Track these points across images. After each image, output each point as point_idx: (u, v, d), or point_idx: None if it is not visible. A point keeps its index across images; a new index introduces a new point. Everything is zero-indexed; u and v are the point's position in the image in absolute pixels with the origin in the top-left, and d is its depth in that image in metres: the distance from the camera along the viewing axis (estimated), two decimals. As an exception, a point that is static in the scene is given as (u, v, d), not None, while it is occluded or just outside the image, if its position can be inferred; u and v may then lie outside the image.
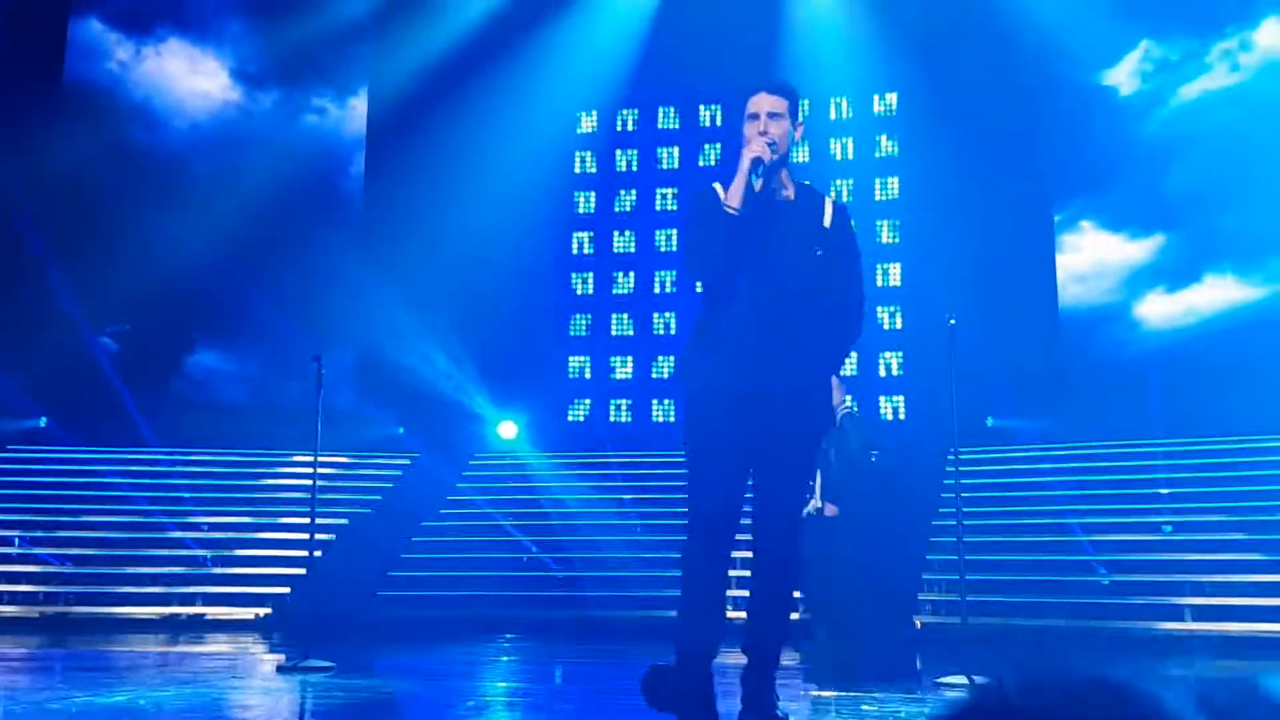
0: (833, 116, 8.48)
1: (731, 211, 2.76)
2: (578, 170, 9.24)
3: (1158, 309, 8.08)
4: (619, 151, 8.98)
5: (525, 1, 8.38)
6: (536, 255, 9.02)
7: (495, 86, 8.38)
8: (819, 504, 3.99)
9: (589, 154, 9.40)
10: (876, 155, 8.28)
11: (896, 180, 8.20)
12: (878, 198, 8.32)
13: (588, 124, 9.24)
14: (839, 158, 8.49)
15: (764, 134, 2.78)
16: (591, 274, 9.27)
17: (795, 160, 3.06)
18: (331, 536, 7.29)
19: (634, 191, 9.17)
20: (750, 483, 2.79)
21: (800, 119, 2.93)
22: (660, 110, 9.10)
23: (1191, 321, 7.92)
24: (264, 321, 8.73)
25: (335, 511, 7.68)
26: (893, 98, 7.99)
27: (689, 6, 8.59)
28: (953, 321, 4.40)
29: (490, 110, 8.42)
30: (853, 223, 2.96)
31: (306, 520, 4.78)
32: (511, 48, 8.34)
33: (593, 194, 9.05)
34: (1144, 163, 8.03)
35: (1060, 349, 7.82)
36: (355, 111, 9.43)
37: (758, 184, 2.78)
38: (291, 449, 8.41)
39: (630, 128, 9.14)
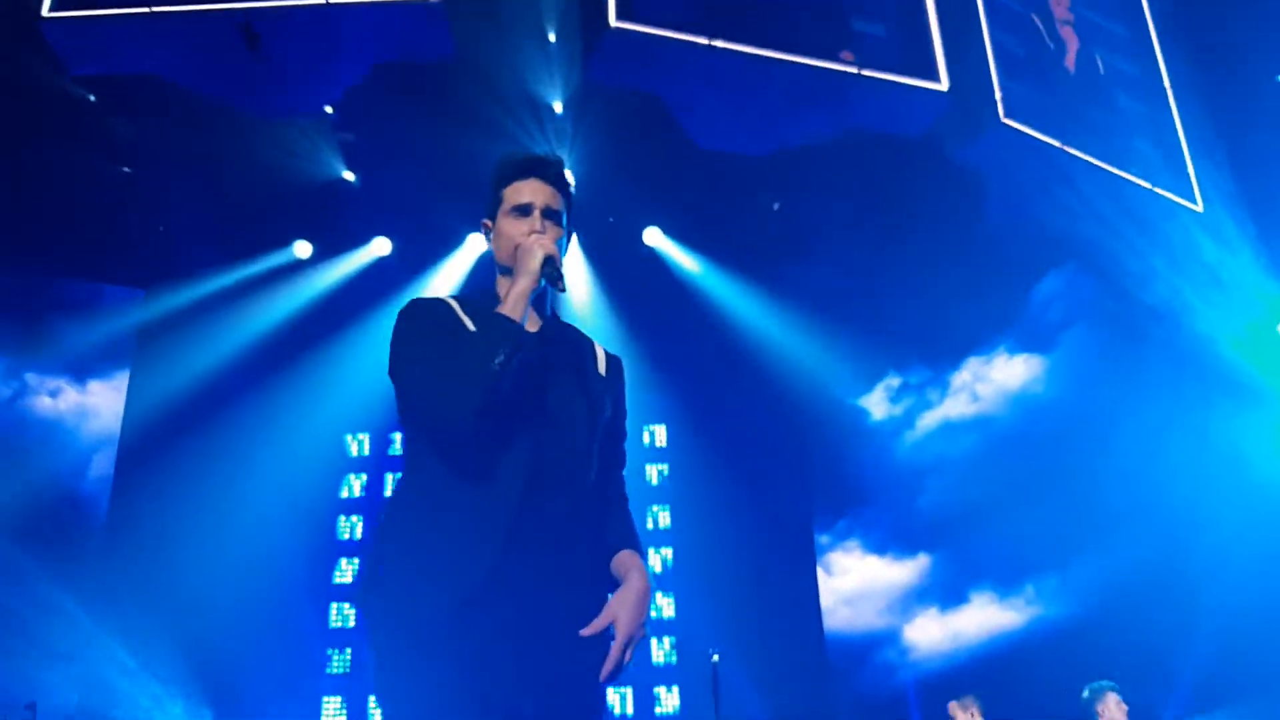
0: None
1: (514, 335, 2.03)
2: (344, 495, 9.01)
3: (929, 631, 8.13)
4: (388, 475, 8.85)
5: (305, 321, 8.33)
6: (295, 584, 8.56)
7: (266, 404, 8.20)
8: None
9: (361, 477, 9.26)
10: (651, 483, 8.44)
11: (667, 511, 8.27)
12: (648, 526, 8.35)
13: (356, 448, 9.08)
14: None
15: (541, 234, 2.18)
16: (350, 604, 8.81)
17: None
18: None
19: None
20: None
21: (571, 230, 2.36)
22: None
23: (958, 647, 7.97)
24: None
25: None
26: (661, 430, 8.26)
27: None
28: (716, 657, 4.32)
29: (258, 427, 8.17)
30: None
31: None
32: (283, 367, 8.25)
33: (359, 519, 8.80)
34: (899, 485, 8.29)
35: (827, 677, 7.79)
36: (98, 399, 8.32)
37: (561, 289, 2.15)
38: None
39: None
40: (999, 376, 8.50)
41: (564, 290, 2.16)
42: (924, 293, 7.58)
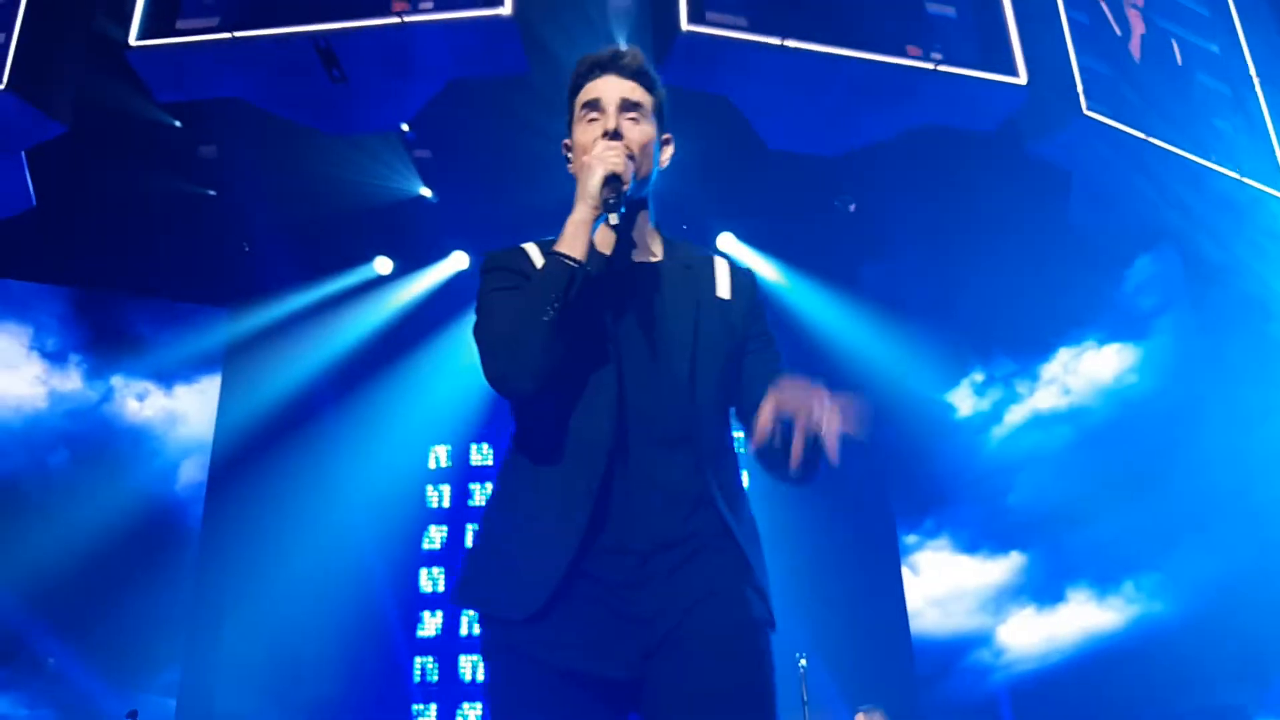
0: None
1: (570, 265, 1.71)
2: (432, 505, 9.14)
3: (1023, 633, 7.91)
4: (472, 485, 8.93)
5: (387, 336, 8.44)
6: (384, 593, 8.71)
7: (351, 417, 8.35)
8: None
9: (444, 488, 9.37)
10: None
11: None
12: None
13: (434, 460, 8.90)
14: None
15: (615, 135, 1.81)
16: (441, 611, 8.93)
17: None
18: None
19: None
20: None
21: (668, 135, 1.97)
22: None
23: (1053, 648, 7.75)
24: (64, 669, 7.68)
25: None
26: (740, 434, 8.10)
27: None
28: (804, 662, 4.28)
29: (344, 440, 8.33)
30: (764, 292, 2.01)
31: None
32: (367, 380, 8.39)
33: (445, 528, 8.91)
34: (989, 482, 8.14)
35: (915, 681, 7.68)
36: (185, 404, 8.40)
37: (612, 221, 1.75)
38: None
39: (487, 461, 9.16)
40: (1090, 367, 8.28)
41: (615, 219, 1.73)
42: (1008, 286, 7.44)
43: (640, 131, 1.84)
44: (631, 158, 1.79)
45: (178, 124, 6.50)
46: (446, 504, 8.95)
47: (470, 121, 6.58)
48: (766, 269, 7.67)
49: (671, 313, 1.83)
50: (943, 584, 8.17)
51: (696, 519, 1.81)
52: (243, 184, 6.95)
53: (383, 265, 8.02)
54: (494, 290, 1.87)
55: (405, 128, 6.58)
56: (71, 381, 8.12)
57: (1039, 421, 8.31)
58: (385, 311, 8.05)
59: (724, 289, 1.92)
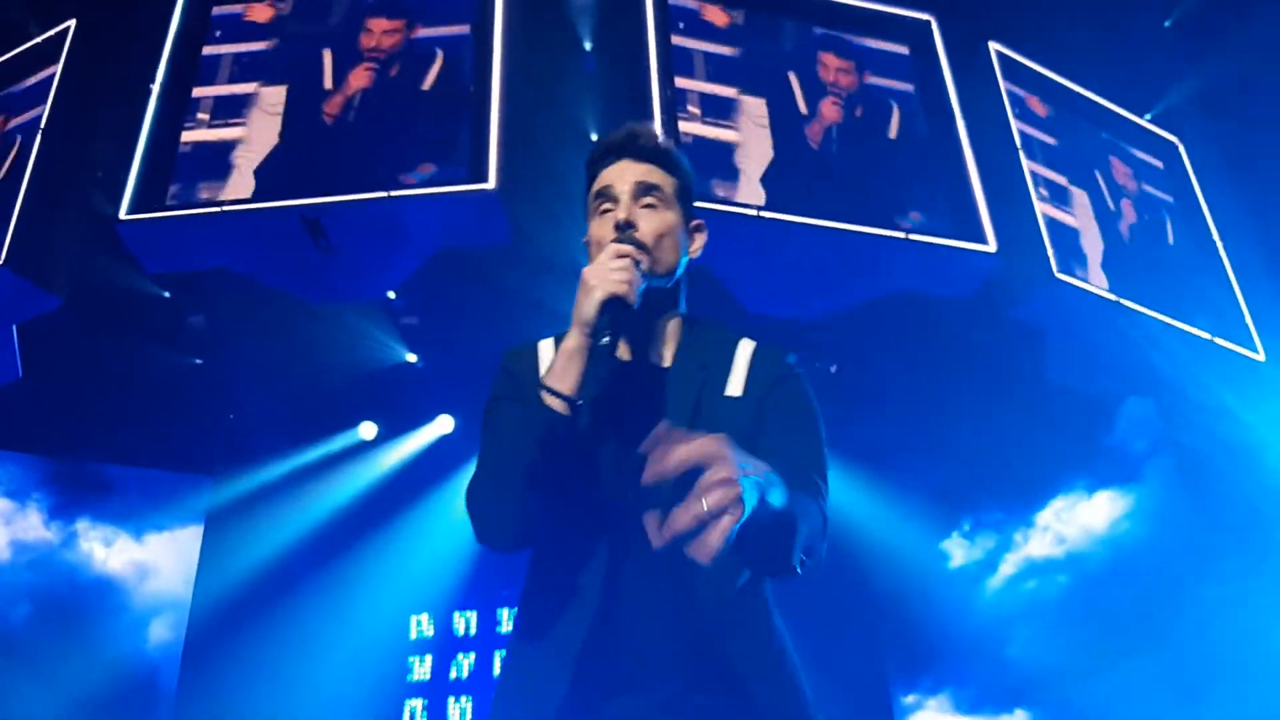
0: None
1: (553, 405, 1.50)
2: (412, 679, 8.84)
3: None
4: (457, 655, 8.69)
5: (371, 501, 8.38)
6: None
7: (332, 584, 8.20)
8: None
9: (427, 659, 9.11)
10: None
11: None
12: None
13: (416, 629, 8.91)
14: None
15: (626, 230, 1.64)
16: (422, 790, 8.54)
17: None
18: None
19: (469, 698, 8.71)
20: None
21: (699, 221, 1.78)
22: (501, 611, 8.97)
23: None
24: None
25: None
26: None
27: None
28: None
29: (324, 607, 8.16)
30: (803, 382, 1.78)
31: None
32: (349, 546, 8.28)
33: (423, 701, 8.60)
34: (986, 635, 7.94)
35: None
36: (156, 554, 8.08)
37: (622, 351, 1.61)
38: None
39: (471, 630, 8.94)
40: (1083, 514, 8.21)
41: (607, 341, 1.51)
42: (994, 437, 7.46)
43: (659, 220, 1.67)
44: (646, 249, 1.62)
45: (166, 294, 6.60)
46: (428, 675, 8.70)
47: (456, 289, 6.71)
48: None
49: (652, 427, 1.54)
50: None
51: (690, 661, 1.60)
52: (230, 352, 7.02)
53: (367, 430, 8.03)
54: (489, 415, 1.72)
55: (392, 295, 6.69)
56: (35, 529, 7.91)
57: (1035, 570, 8.20)
58: (369, 476, 8.01)
59: (736, 386, 1.72)
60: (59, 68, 6.09)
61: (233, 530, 7.93)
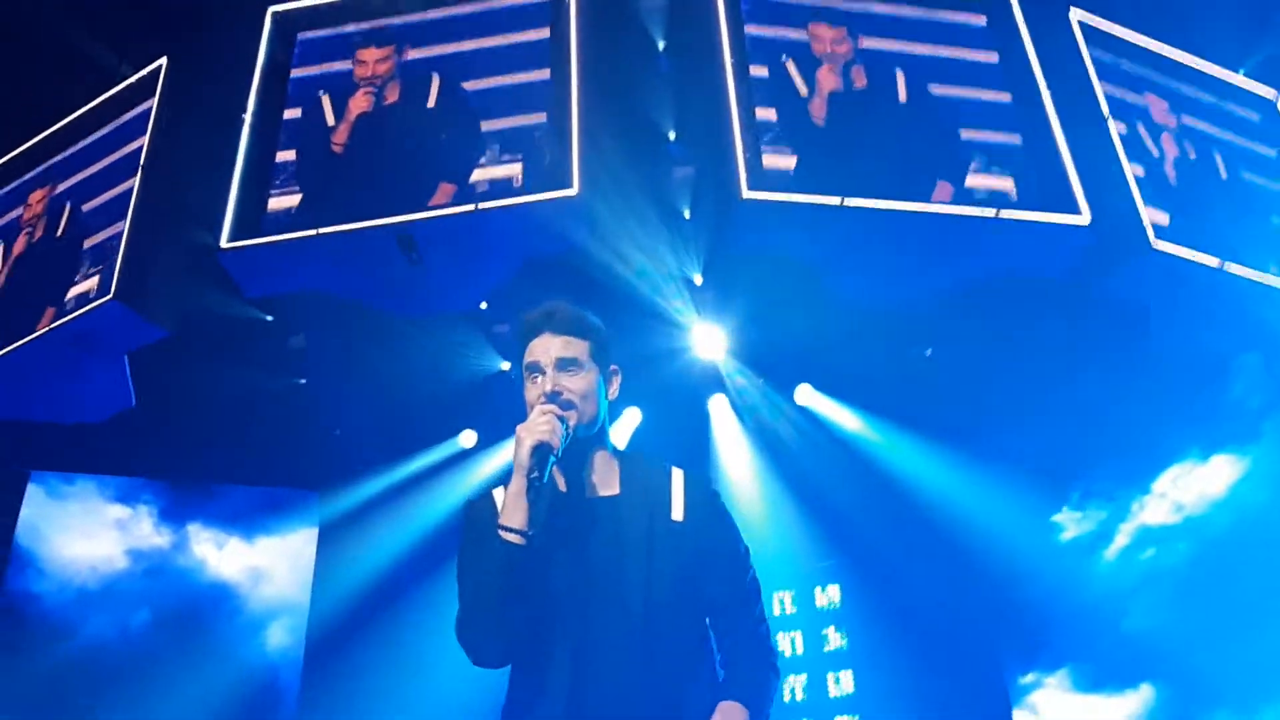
0: (777, 612, 8.20)
1: (511, 539, 1.90)
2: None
3: None
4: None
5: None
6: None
7: (439, 591, 8.31)
8: None
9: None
10: (829, 647, 8.01)
11: (850, 674, 7.93)
12: (831, 694, 7.94)
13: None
14: (789, 654, 8.10)
15: (552, 397, 2.03)
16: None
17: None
18: None
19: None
20: None
21: (614, 366, 2.16)
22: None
23: None
24: None
25: None
26: (835, 589, 8.01)
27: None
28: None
29: (434, 613, 8.27)
30: (723, 503, 2.11)
31: None
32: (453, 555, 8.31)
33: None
34: (1103, 608, 7.70)
35: None
36: (269, 559, 8.34)
37: (560, 483, 1.95)
38: None
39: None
40: (1200, 478, 7.88)
41: (540, 479, 1.87)
42: (1098, 408, 7.28)
43: (580, 381, 2.03)
44: (573, 407, 1.97)
45: (269, 318, 6.79)
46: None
47: (544, 293, 6.76)
48: (847, 418, 7.65)
49: (629, 551, 1.95)
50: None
51: None
52: (331, 370, 7.20)
53: (467, 439, 8.17)
54: (461, 558, 2.07)
55: (484, 305, 6.79)
56: (149, 538, 8.21)
57: (1151, 538, 7.98)
58: (472, 483, 8.15)
59: (678, 510, 2.03)
60: (154, 104, 6.28)
61: (345, 539, 8.14)
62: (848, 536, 7.80)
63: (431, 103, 5.95)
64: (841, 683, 7.86)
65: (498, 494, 2.06)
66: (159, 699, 7.37)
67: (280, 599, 8.34)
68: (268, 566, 8.40)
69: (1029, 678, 7.87)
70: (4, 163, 6.96)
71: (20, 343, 5.95)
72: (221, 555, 8.33)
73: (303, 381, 7.41)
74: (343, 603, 7.98)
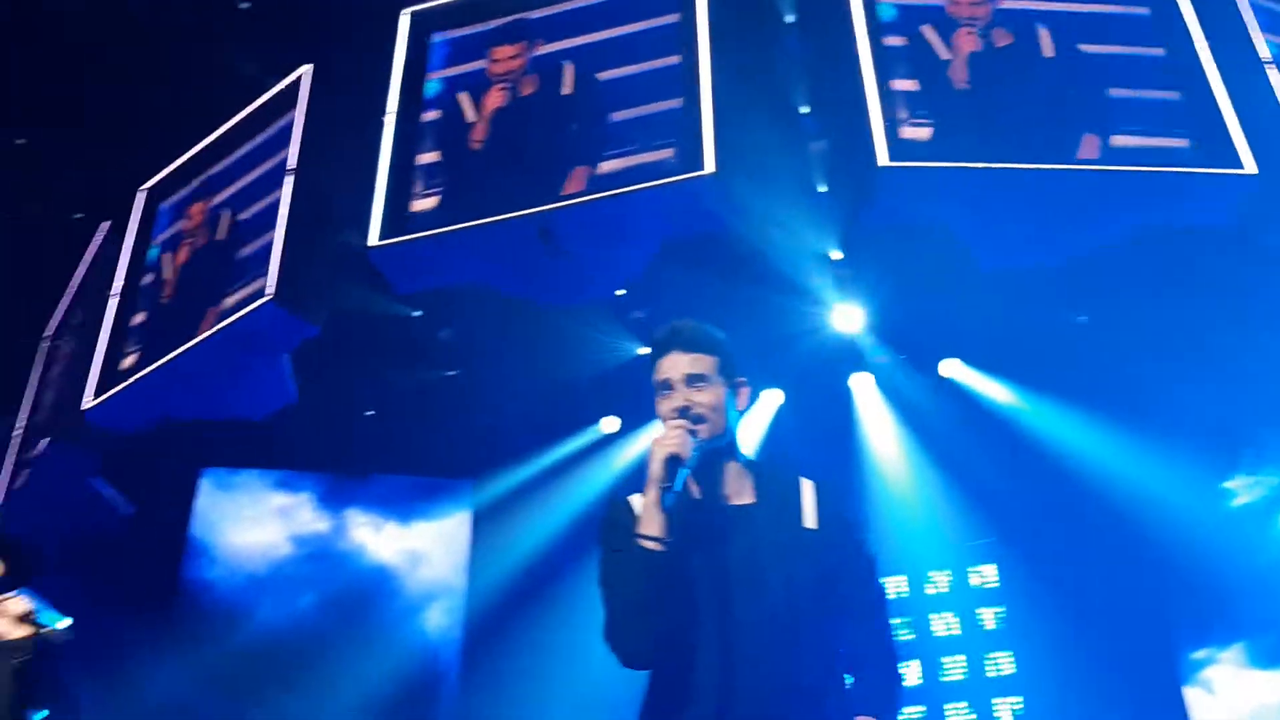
0: (930, 591, 8.01)
1: (652, 546, 1.98)
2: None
3: None
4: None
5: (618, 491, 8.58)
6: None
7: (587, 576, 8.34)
8: None
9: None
10: (986, 628, 7.79)
11: (1009, 657, 7.67)
12: (989, 674, 7.71)
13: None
14: (942, 634, 7.93)
15: (683, 412, 2.14)
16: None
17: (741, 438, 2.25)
18: None
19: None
20: None
21: (742, 378, 2.24)
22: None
23: None
24: None
25: None
26: (991, 570, 7.82)
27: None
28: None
29: (585, 599, 8.31)
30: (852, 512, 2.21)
31: None
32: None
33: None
34: None
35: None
36: (425, 542, 8.61)
37: (694, 491, 2.06)
38: None
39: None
40: None
41: (675, 489, 1.97)
42: (1272, 366, 6.87)
43: (708, 395, 2.12)
44: (703, 420, 2.07)
45: (416, 313, 7.00)
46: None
47: (679, 277, 6.77)
48: (998, 391, 7.44)
49: (766, 557, 2.03)
50: (1246, 704, 7.37)
51: None
52: (478, 362, 7.37)
53: (609, 425, 8.27)
54: (603, 558, 2.14)
55: (620, 293, 6.85)
56: (310, 522, 8.58)
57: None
58: (616, 468, 8.25)
59: (810, 518, 2.11)
60: (299, 112, 6.52)
61: (498, 525, 8.36)
62: (1003, 514, 7.61)
63: (567, 89, 6.01)
64: (1000, 664, 7.68)
65: (634, 501, 2.13)
66: (328, 678, 7.70)
67: (437, 581, 8.61)
68: (424, 550, 8.68)
69: (1201, 653, 7.55)
70: (164, 177, 7.32)
71: (187, 346, 6.26)
72: (379, 540, 8.66)
73: (452, 373, 7.61)
74: (499, 586, 8.21)
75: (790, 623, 2.01)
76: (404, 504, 8.71)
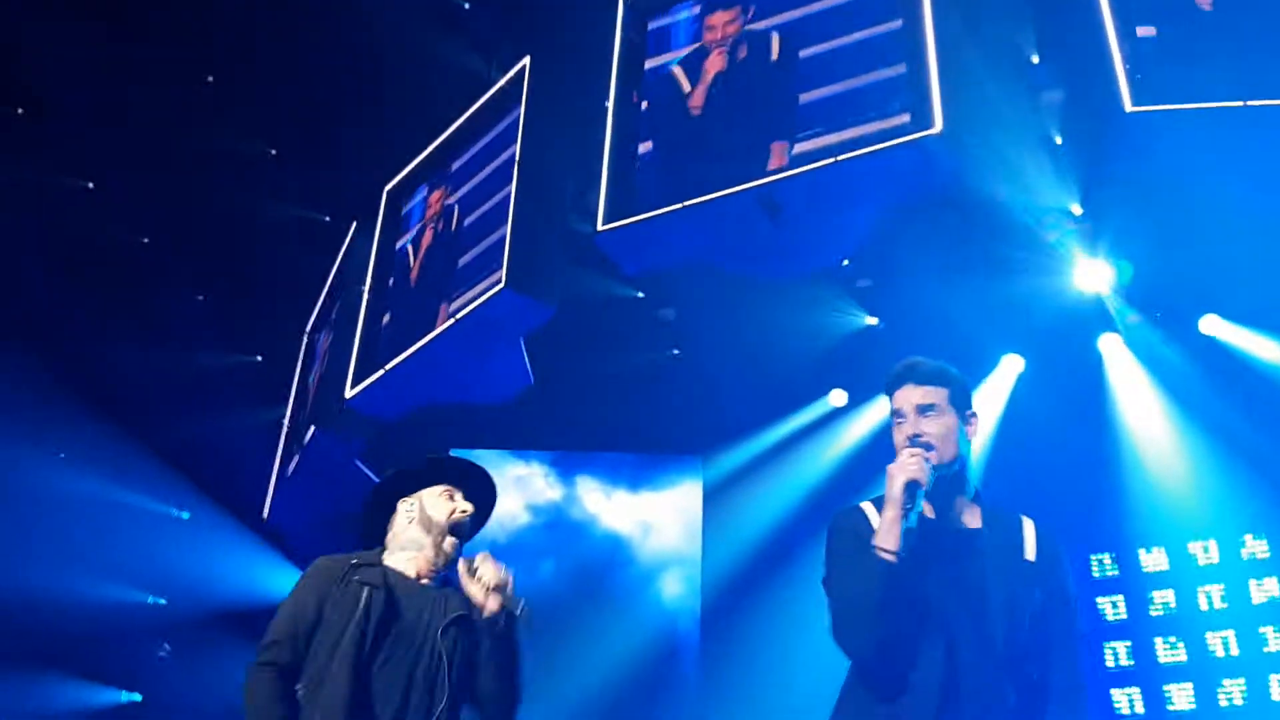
0: (1203, 563, 7.45)
1: (887, 558, 2.14)
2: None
3: None
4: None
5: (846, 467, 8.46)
6: None
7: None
8: None
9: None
10: (1254, 603, 7.22)
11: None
12: (1267, 649, 7.10)
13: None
14: (1205, 608, 7.39)
15: (913, 440, 2.29)
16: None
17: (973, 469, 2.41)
18: None
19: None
20: None
21: (972, 410, 2.41)
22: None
23: None
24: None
25: None
26: (1263, 544, 7.21)
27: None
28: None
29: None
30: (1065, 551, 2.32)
31: None
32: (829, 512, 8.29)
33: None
34: None
35: None
36: (656, 511, 8.80)
37: (928, 510, 2.22)
38: None
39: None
40: None
41: (914, 508, 2.12)
42: None
43: (938, 424, 2.26)
44: (933, 448, 2.22)
45: (640, 294, 7.11)
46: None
47: (907, 244, 6.59)
48: (1265, 347, 6.86)
49: (991, 580, 2.17)
50: None
51: None
52: (702, 339, 7.42)
53: (838, 398, 8.15)
54: (837, 561, 2.30)
55: (845, 262, 6.72)
56: (544, 491, 8.87)
57: None
58: (844, 444, 8.14)
59: (1030, 551, 2.25)
60: (522, 103, 6.71)
61: (730, 498, 8.41)
62: (1276, 479, 7.01)
63: (774, 56, 5.92)
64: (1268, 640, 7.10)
65: (867, 508, 2.32)
66: (574, 643, 7.94)
67: (671, 550, 8.75)
68: (655, 520, 8.84)
69: None
70: (403, 176, 7.71)
71: (431, 335, 6.57)
72: (612, 509, 8.88)
73: (676, 352, 7.69)
74: (734, 558, 8.26)
75: (1008, 643, 2.15)
76: (634, 475, 8.92)
